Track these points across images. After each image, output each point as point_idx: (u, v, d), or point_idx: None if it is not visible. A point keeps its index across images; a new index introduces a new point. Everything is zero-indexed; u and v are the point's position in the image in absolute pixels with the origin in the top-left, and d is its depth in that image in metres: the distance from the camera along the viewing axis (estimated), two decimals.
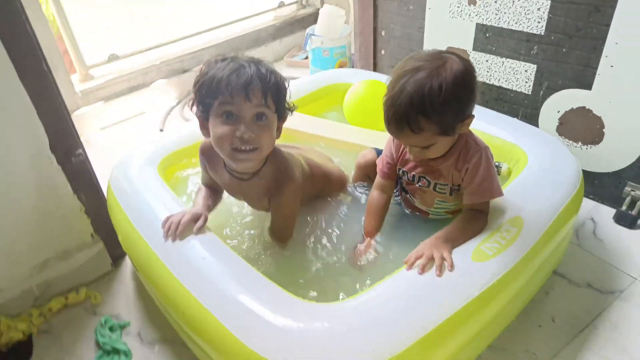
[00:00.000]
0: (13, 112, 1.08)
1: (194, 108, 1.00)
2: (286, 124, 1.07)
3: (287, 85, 1.01)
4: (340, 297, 0.99)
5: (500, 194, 1.02)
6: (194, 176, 1.41)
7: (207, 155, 1.10)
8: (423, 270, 0.89)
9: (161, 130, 2.20)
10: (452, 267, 0.89)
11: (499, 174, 1.27)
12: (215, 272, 0.94)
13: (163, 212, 1.11)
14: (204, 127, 1.01)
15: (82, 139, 2.14)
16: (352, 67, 2.44)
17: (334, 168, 1.30)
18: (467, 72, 0.91)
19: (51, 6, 2.08)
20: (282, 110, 1.01)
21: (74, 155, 1.22)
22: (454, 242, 0.95)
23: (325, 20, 2.43)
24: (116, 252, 1.36)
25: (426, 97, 0.88)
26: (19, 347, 1.14)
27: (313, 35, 2.44)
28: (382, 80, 1.61)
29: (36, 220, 1.20)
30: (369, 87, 1.57)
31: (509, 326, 1.08)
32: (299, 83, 1.76)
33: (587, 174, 1.46)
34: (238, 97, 0.91)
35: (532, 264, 0.98)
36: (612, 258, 1.28)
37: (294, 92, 1.65)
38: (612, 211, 1.42)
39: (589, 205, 1.46)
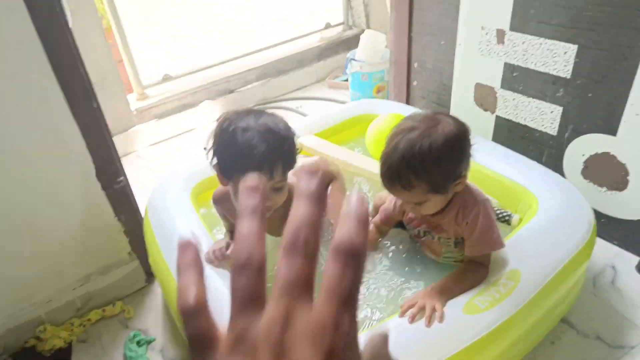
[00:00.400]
0: (67, 144, 1.24)
1: (212, 159, 1.06)
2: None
3: (295, 138, 1.05)
4: None
5: (501, 246, 1.04)
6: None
7: (223, 202, 1.20)
8: (413, 319, 0.94)
9: (205, 148, 2.35)
10: (441, 319, 0.93)
11: (509, 224, 1.28)
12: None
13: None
14: (221, 179, 1.09)
15: (135, 153, 2.40)
16: (388, 93, 2.48)
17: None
18: (459, 135, 0.95)
19: (115, 34, 2.29)
20: (294, 166, 1.05)
21: (116, 182, 1.37)
22: (449, 293, 0.99)
23: (365, 45, 2.49)
24: (150, 270, 1.50)
25: (417, 155, 0.93)
26: (59, 354, 1.30)
27: (353, 59, 2.51)
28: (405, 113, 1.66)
29: (82, 238, 1.36)
30: (391, 121, 1.61)
31: None
32: (327, 114, 1.84)
33: (611, 220, 1.43)
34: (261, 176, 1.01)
35: (529, 317, 1.00)
36: (628, 310, 1.25)
37: (322, 122, 1.77)
38: (636, 259, 1.38)
39: (612, 252, 1.43)
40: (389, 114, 1.65)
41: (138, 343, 1.30)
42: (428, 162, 0.94)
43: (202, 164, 1.59)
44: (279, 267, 0.25)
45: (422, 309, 0.96)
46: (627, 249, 1.43)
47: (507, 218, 1.28)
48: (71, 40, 1.16)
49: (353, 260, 0.24)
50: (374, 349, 0.32)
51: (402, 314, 0.96)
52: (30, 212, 1.25)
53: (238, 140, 0.96)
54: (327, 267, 0.24)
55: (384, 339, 0.32)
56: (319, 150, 1.64)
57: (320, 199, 0.26)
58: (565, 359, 1.15)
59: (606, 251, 1.41)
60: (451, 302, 0.98)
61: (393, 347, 0.86)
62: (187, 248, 0.28)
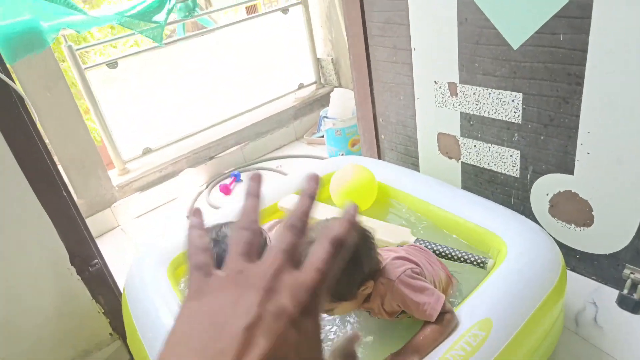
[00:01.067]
0: (36, 232, 1.26)
1: None
2: None
3: (264, 239, 1.12)
4: None
5: (442, 301, 1.02)
6: None
7: None
8: None
9: (187, 217, 2.38)
10: None
11: (485, 269, 1.28)
12: None
13: (167, 320, 1.22)
14: None
15: (118, 228, 2.41)
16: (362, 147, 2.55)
17: None
18: (352, 247, 0.97)
19: (92, 116, 2.37)
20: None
21: (92, 265, 1.38)
22: (421, 352, 0.98)
23: (336, 102, 2.58)
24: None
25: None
26: None
27: (326, 117, 2.59)
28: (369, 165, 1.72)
29: (58, 322, 1.35)
30: (352, 170, 1.68)
31: None
32: (306, 173, 1.88)
33: (585, 255, 1.44)
34: None
35: None
36: (612, 348, 1.25)
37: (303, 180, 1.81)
38: (616, 293, 1.39)
39: (591, 287, 1.44)
40: (350, 164, 1.70)
41: None
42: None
43: (178, 237, 1.62)
44: (277, 238, 0.35)
45: None
46: (606, 284, 1.44)
47: (482, 265, 1.30)
48: (34, 134, 1.21)
49: (335, 245, 0.35)
50: (345, 342, 0.44)
51: None
52: (1, 306, 1.25)
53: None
54: (315, 246, 0.34)
55: (355, 337, 0.45)
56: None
57: (312, 196, 0.37)
58: None
59: (585, 287, 1.42)
60: None
61: None
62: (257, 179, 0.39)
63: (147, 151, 2.63)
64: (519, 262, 1.19)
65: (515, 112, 1.44)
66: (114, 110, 2.44)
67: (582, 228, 1.43)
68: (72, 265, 1.34)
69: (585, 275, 1.46)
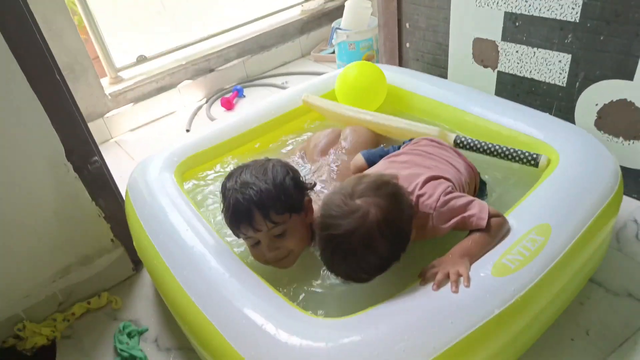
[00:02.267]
0: (27, 121, 1.10)
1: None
2: None
3: (292, 179, 1.01)
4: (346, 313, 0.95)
5: (485, 207, 0.93)
6: (215, 177, 1.40)
7: None
8: (438, 286, 0.84)
9: (187, 130, 2.21)
10: (468, 282, 0.83)
11: (537, 167, 1.15)
12: (225, 286, 0.91)
13: (176, 220, 1.10)
14: None
15: (112, 140, 2.24)
16: (379, 60, 2.37)
17: None
18: (391, 219, 0.86)
19: (80, 11, 2.12)
20: (297, 206, 1.00)
21: (91, 162, 1.23)
22: (472, 256, 0.89)
23: (350, 13, 2.37)
24: (137, 257, 1.37)
25: (361, 264, 0.87)
26: (43, 352, 1.17)
27: (338, 29, 2.38)
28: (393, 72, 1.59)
29: (56, 226, 1.22)
30: (356, 67, 1.58)
31: (537, 340, 1.01)
32: (321, 81, 1.71)
33: (630, 172, 1.34)
34: (249, 231, 0.97)
35: (561, 276, 0.90)
36: None
37: (314, 91, 1.65)
38: None
39: (632, 206, 1.35)
40: (352, 63, 1.60)
41: (129, 334, 1.17)
42: (375, 262, 0.87)
43: (186, 141, 1.47)
44: None
45: (446, 275, 0.85)
46: None
47: (533, 162, 1.15)
48: (29, 17, 1.02)
49: None
50: None
51: (425, 282, 0.86)
52: None
53: (225, 204, 1.00)
54: None
55: None
56: (325, 107, 1.54)
57: None
58: (597, 319, 1.07)
59: (626, 205, 1.32)
60: (478, 264, 0.87)
61: (417, 319, 0.73)
62: None
63: (141, 59, 2.40)
64: (574, 168, 1.08)
65: (573, 9, 1.27)
66: (105, 11, 2.19)
67: (631, 142, 1.31)
68: (68, 161, 1.18)
69: (626, 194, 1.36)
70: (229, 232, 1.04)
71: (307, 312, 0.85)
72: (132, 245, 1.29)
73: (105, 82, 2.30)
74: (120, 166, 1.88)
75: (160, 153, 1.40)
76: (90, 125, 2.15)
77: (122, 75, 2.35)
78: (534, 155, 1.16)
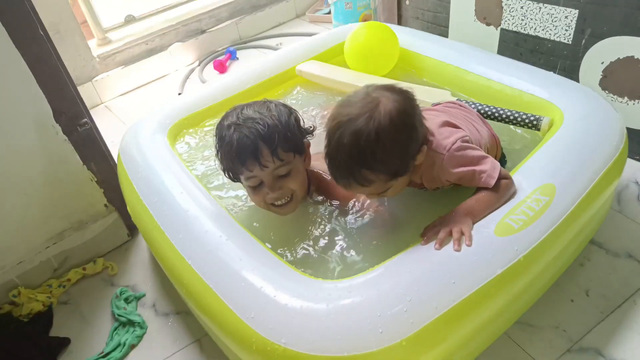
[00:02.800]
0: (12, 81, 1.05)
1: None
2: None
3: (295, 119, 0.98)
4: (349, 273, 0.93)
5: (498, 167, 0.89)
6: (208, 139, 1.36)
7: None
8: (441, 245, 0.82)
9: (180, 94, 2.15)
10: (470, 241, 0.82)
11: (538, 130, 1.12)
12: (222, 249, 0.89)
13: (171, 183, 1.07)
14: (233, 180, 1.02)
15: (102, 105, 2.18)
16: (377, 19, 2.29)
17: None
18: (403, 110, 0.82)
19: None
20: (300, 146, 0.98)
21: (80, 124, 1.19)
22: (475, 215, 0.87)
23: None
24: (132, 222, 1.35)
25: (366, 149, 0.80)
26: (40, 318, 1.16)
27: None
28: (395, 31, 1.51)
29: (47, 190, 1.19)
30: (368, 30, 1.49)
31: (538, 300, 1.01)
32: (315, 41, 1.65)
33: (633, 132, 1.32)
34: (254, 168, 0.92)
35: (564, 237, 0.89)
36: None
37: (308, 52, 1.59)
38: None
39: (634, 167, 1.33)
40: (364, 24, 1.51)
41: (126, 300, 1.16)
42: (379, 152, 0.81)
43: (178, 103, 1.42)
44: None
45: (448, 233, 0.83)
46: None
47: (535, 124, 1.12)
48: None
49: None
50: None
51: (427, 241, 0.84)
52: None
53: (225, 142, 0.94)
54: None
55: None
56: (321, 75, 1.48)
57: None
58: (598, 279, 1.06)
59: (628, 167, 1.28)
60: (481, 223, 0.86)
61: (419, 279, 0.71)
62: None
63: (130, 19, 2.32)
64: (578, 128, 1.05)
65: None
66: None
67: (636, 101, 1.28)
68: (56, 122, 1.14)
69: (628, 156, 1.34)
70: (225, 193, 1.02)
71: (306, 274, 0.83)
72: (127, 210, 1.27)
73: (92, 43, 2.21)
74: (112, 131, 1.83)
75: (152, 115, 1.35)
76: (79, 89, 2.11)
77: (110, 36, 2.26)
78: (536, 118, 1.12)
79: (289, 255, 0.98)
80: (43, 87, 1.09)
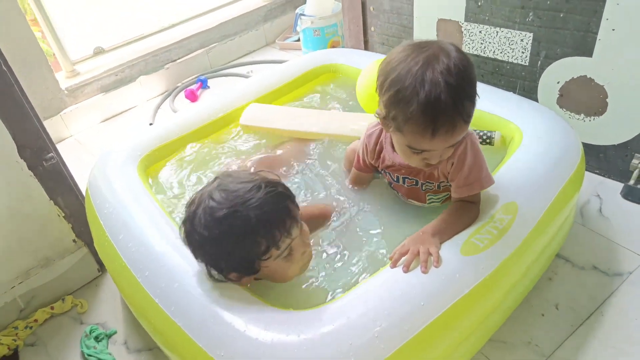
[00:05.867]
0: None
1: (221, 274, 0.87)
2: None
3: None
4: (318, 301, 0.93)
5: (491, 182, 0.94)
6: (178, 170, 1.35)
7: None
8: (408, 267, 0.83)
9: (151, 124, 2.14)
10: (438, 262, 0.83)
11: (492, 144, 1.18)
12: (189, 284, 0.88)
13: (138, 218, 1.06)
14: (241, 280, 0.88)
15: (72, 138, 2.15)
16: (344, 46, 2.34)
17: (315, 208, 1.12)
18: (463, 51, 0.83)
19: (29, 1, 2.01)
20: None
21: (46, 159, 1.17)
22: (442, 235, 0.88)
23: None
24: None
25: (462, 79, 0.78)
26: None
27: (303, 15, 2.34)
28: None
29: (12, 227, 1.16)
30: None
31: (508, 316, 1.02)
32: (285, 68, 1.68)
33: (591, 148, 1.37)
34: (293, 229, 0.83)
35: (529, 252, 0.92)
36: (620, 237, 1.20)
37: (279, 78, 1.61)
38: (620, 186, 1.34)
39: (594, 181, 1.38)
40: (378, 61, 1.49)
41: (96, 338, 1.13)
42: (473, 84, 0.80)
43: (148, 134, 1.41)
44: None
45: (416, 255, 0.85)
46: (609, 177, 1.38)
47: (488, 140, 1.18)
48: None
49: None
50: None
51: (394, 264, 0.85)
52: None
53: (239, 231, 0.79)
54: None
55: None
56: (264, 126, 1.42)
57: None
58: (566, 293, 1.09)
59: (589, 181, 1.35)
60: (447, 244, 0.87)
61: (388, 303, 0.72)
62: None
63: (99, 51, 2.31)
64: (537, 146, 1.09)
65: None
66: (58, 3, 2.09)
67: (592, 118, 1.33)
68: (21, 158, 1.12)
69: (588, 170, 1.39)
70: None
71: (275, 305, 0.83)
72: None
73: (61, 76, 2.20)
74: (82, 164, 1.80)
75: (122, 146, 1.34)
76: (47, 122, 2.08)
77: (79, 68, 2.25)
78: (488, 135, 1.18)
79: (254, 287, 0.97)
80: (6, 123, 1.08)
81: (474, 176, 0.92)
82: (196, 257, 0.86)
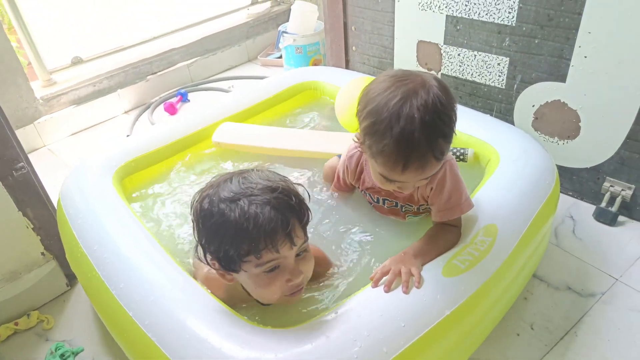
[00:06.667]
0: None
1: (204, 256, 0.81)
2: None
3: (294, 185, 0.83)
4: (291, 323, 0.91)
5: (470, 206, 0.95)
6: (154, 182, 1.33)
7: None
8: (389, 288, 0.83)
9: (128, 136, 2.11)
10: (419, 283, 0.83)
11: (465, 161, 1.21)
12: (166, 298, 0.85)
13: (113, 229, 1.03)
14: (224, 275, 0.84)
15: (45, 148, 2.10)
16: (326, 64, 2.37)
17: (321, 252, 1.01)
18: (443, 84, 0.83)
19: (6, 8, 1.97)
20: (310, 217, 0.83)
21: (16, 169, 1.13)
22: (424, 257, 0.88)
23: (297, 16, 2.35)
24: (71, 271, 1.28)
25: (439, 117, 0.78)
26: None
27: (285, 32, 2.36)
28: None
29: None
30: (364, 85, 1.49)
31: (486, 336, 1.02)
32: (266, 84, 1.68)
33: (564, 170, 1.40)
34: (283, 247, 0.75)
35: (509, 274, 0.92)
36: (592, 258, 1.23)
37: (259, 94, 1.61)
38: (592, 208, 1.37)
39: (568, 203, 1.41)
40: (359, 79, 1.50)
41: (62, 356, 1.08)
42: (448, 122, 0.79)
43: (125, 145, 1.39)
44: None
45: (397, 275, 0.84)
46: (582, 199, 1.42)
47: (461, 156, 1.21)
48: None
49: None
50: None
51: (376, 284, 0.85)
52: None
53: (225, 218, 0.74)
54: None
55: None
56: (237, 143, 1.42)
57: None
58: (541, 313, 1.10)
59: (562, 202, 1.38)
60: (428, 266, 0.87)
61: (369, 323, 0.71)
62: None
63: (77, 61, 2.27)
64: (514, 168, 1.11)
65: (509, 13, 1.32)
66: (34, 8, 2.05)
67: (565, 141, 1.37)
68: None
69: (561, 192, 1.42)
70: (178, 242, 0.98)
71: (253, 322, 0.81)
72: (66, 258, 1.20)
73: (36, 85, 2.15)
74: (55, 175, 1.75)
75: (97, 157, 1.31)
76: (20, 131, 2.04)
77: (56, 78, 2.21)
78: (461, 151, 1.22)
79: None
80: None
81: (454, 201, 0.93)
82: (194, 229, 0.81)
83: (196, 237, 0.81)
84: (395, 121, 0.77)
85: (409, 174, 0.81)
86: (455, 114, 0.82)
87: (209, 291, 0.87)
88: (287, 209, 0.75)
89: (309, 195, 0.83)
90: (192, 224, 0.82)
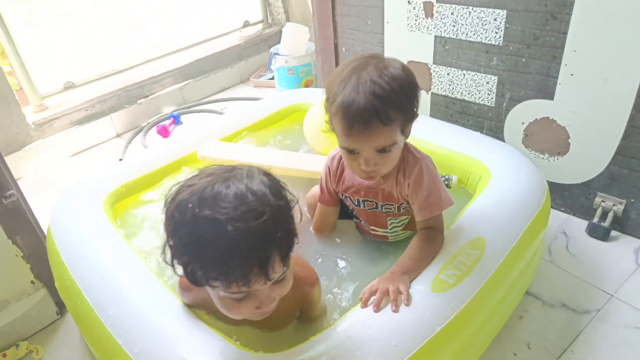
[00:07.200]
0: None
1: (171, 260, 0.70)
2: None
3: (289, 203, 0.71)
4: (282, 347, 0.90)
5: (450, 202, 0.96)
6: (147, 207, 1.31)
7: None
8: (378, 307, 0.82)
9: (121, 159, 2.10)
10: (408, 300, 0.82)
11: (449, 187, 1.24)
12: (158, 327, 0.84)
13: (105, 258, 1.02)
14: (188, 286, 0.78)
15: (37, 173, 2.09)
16: (318, 86, 2.39)
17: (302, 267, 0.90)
18: (407, 67, 0.88)
19: (0, 36, 1.99)
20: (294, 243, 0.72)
21: (5, 196, 1.13)
22: (411, 272, 0.88)
23: (288, 38, 2.38)
24: (62, 299, 1.26)
25: (389, 85, 0.83)
26: None
27: (277, 54, 2.39)
28: None
29: None
30: None
31: (481, 356, 1.01)
32: (258, 106, 1.69)
33: (556, 186, 1.41)
34: (257, 283, 0.65)
35: (498, 289, 0.92)
36: (587, 274, 1.22)
37: (252, 115, 1.62)
38: (585, 223, 1.37)
39: (560, 218, 1.41)
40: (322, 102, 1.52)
41: None
42: (398, 91, 0.84)
43: (117, 169, 1.38)
44: None
45: (385, 293, 0.84)
46: (575, 214, 1.42)
47: (446, 182, 1.24)
48: None
49: None
50: None
51: (365, 304, 0.84)
52: None
53: (205, 238, 0.63)
54: None
55: None
56: (223, 158, 1.41)
57: None
58: (537, 331, 1.09)
59: (555, 219, 1.39)
60: (417, 281, 0.87)
61: (359, 344, 0.69)
62: None
63: (69, 86, 2.28)
64: (504, 184, 1.11)
65: (496, 33, 1.34)
66: (27, 34, 2.07)
67: (555, 157, 1.38)
68: None
69: (554, 208, 1.43)
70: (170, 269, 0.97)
71: (244, 348, 0.80)
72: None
73: (28, 110, 2.15)
74: (46, 201, 1.75)
75: (87, 181, 1.30)
76: (11, 157, 2.03)
77: (48, 103, 2.21)
78: (446, 178, 1.25)
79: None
80: None
81: (433, 197, 0.94)
82: (165, 226, 0.70)
83: (165, 236, 0.70)
84: (346, 84, 0.84)
85: (356, 136, 0.85)
86: (411, 88, 0.87)
87: (202, 321, 0.86)
88: (269, 242, 0.64)
89: (301, 215, 0.73)
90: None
